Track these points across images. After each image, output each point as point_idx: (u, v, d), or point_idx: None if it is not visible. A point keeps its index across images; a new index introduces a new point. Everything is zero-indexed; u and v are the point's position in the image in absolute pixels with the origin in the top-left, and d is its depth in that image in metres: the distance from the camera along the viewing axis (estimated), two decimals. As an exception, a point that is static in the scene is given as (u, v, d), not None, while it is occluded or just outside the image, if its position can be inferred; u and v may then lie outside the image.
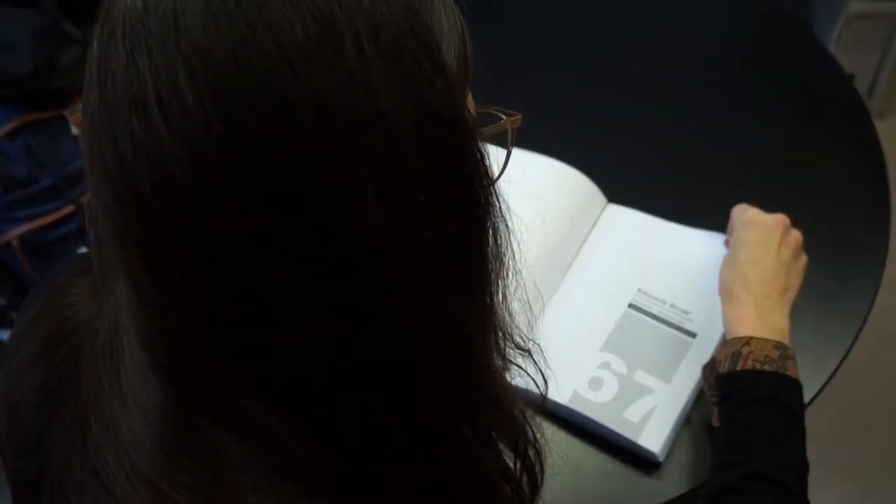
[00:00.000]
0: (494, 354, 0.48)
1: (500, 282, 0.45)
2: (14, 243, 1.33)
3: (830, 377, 0.85)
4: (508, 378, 0.56)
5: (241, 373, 0.39)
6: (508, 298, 0.47)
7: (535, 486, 0.59)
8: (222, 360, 0.39)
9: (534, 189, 0.93)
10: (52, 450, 0.48)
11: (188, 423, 0.42)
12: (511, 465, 0.54)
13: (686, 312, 0.87)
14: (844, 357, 0.86)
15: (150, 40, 0.34)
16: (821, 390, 0.84)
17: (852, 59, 2.12)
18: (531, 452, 0.56)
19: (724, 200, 1.00)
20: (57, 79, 1.32)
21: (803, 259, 0.82)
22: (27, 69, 1.26)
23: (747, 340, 0.73)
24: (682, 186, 1.03)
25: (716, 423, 0.74)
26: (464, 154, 0.38)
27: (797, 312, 0.78)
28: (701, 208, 0.98)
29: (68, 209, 1.34)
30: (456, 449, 0.47)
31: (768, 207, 0.98)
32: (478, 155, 0.39)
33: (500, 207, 0.42)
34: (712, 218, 0.95)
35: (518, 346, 0.57)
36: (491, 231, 0.42)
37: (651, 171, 1.05)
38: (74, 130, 1.34)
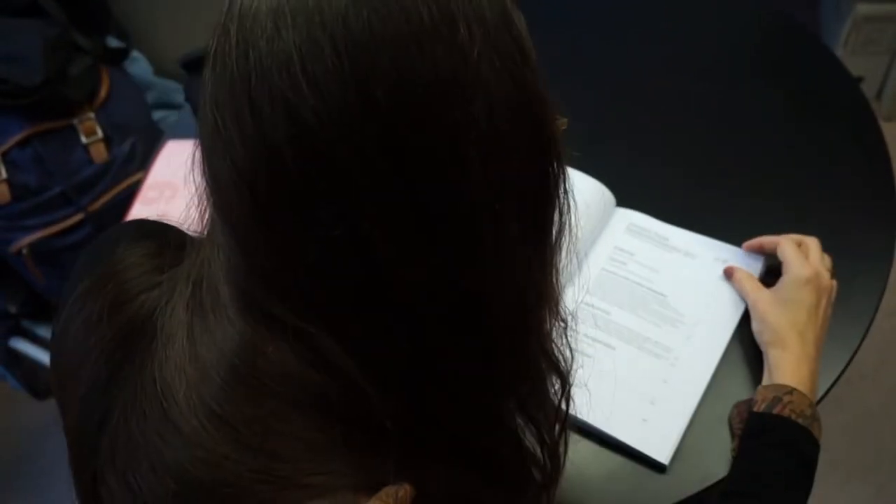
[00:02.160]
0: (547, 325, 0.52)
1: (558, 257, 0.50)
2: (24, 252, 1.34)
3: (837, 378, 0.85)
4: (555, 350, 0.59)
5: (329, 313, 0.43)
6: (560, 275, 0.52)
7: (558, 466, 0.61)
8: (319, 301, 0.43)
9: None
10: (121, 390, 0.49)
11: (264, 361, 0.45)
12: (545, 445, 0.57)
13: (681, 316, 0.88)
14: (851, 358, 0.86)
15: (296, 16, 0.39)
16: (828, 391, 0.84)
17: (860, 62, 2.12)
18: (557, 431, 0.59)
19: (730, 204, 1.01)
20: (67, 88, 1.33)
21: None
22: (38, 79, 1.28)
23: (791, 390, 0.76)
24: (688, 191, 1.03)
25: (734, 454, 0.77)
26: (547, 129, 0.44)
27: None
28: (708, 213, 0.98)
29: (78, 217, 1.35)
30: (498, 419, 0.51)
31: (775, 210, 0.99)
32: (555, 132, 0.45)
33: (566, 189, 0.48)
34: (719, 223, 0.95)
35: (562, 320, 0.60)
36: (559, 207, 0.47)
37: (658, 176, 1.05)
38: (84, 139, 1.35)
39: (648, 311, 0.88)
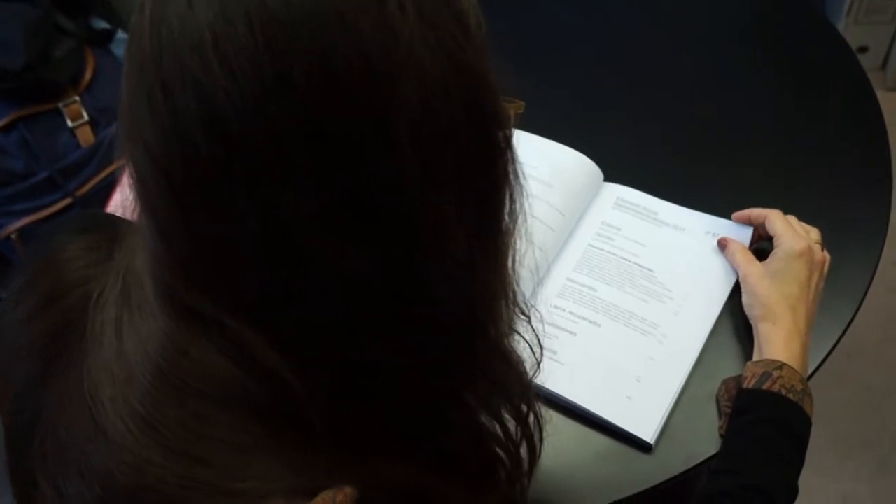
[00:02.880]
0: (502, 315, 0.49)
1: (512, 246, 0.48)
2: (13, 237, 1.33)
3: (829, 353, 0.83)
4: (513, 343, 0.57)
5: (254, 308, 0.41)
6: (517, 263, 0.50)
7: (535, 454, 0.60)
8: (242, 294, 0.41)
9: (536, 165, 0.93)
10: (51, 389, 0.48)
11: (189, 360, 0.43)
12: (513, 434, 0.55)
13: (669, 291, 0.86)
14: (843, 333, 0.84)
15: None
16: (819, 366, 0.82)
17: (865, 32, 2.08)
18: (531, 420, 0.58)
19: (722, 177, 0.99)
20: (51, 72, 1.31)
21: None
22: (21, 63, 1.26)
23: (780, 365, 0.74)
24: (678, 164, 1.01)
25: (723, 433, 0.76)
26: (489, 111, 0.41)
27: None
28: (698, 186, 0.96)
29: (66, 202, 1.34)
30: (456, 411, 0.49)
31: (767, 183, 0.97)
32: (501, 116, 0.42)
33: (517, 174, 0.45)
34: (710, 197, 0.93)
35: (521, 312, 0.59)
36: (508, 194, 0.45)
37: (647, 149, 1.03)
38: (70, 123, 1.34)
39: (635, 287, 0.86)
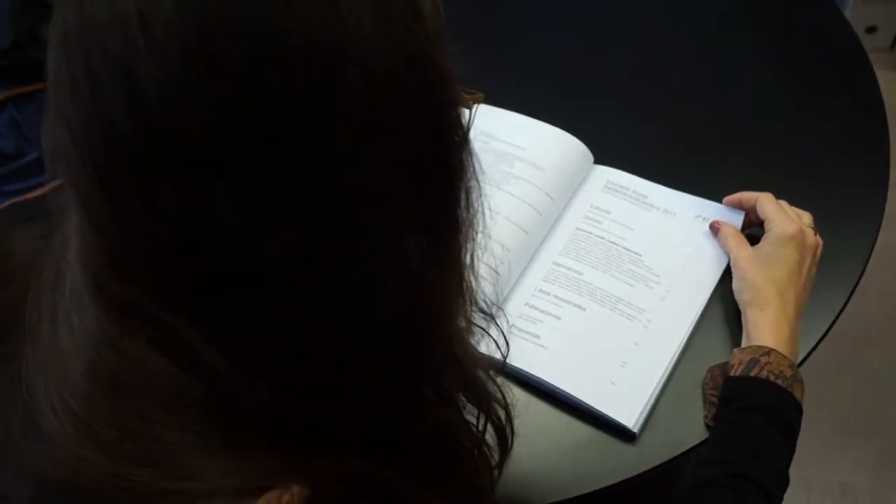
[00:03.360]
0: (458, 313, 0.48)
1: (469, 242, 0.45)
2: (4, 218, 1.32)
3: (821, 339, 0.81)
4: (473, 341, 0.56)
5: (189, 302, 0.38)
6: (476, 261, 0.48)
7: (506, 447, 0.59)
8: (172, 287, 0.38)
9: (524, 146, 0.91)
10: None
11: (122, 355, 0.41)
12: (477, 427, 0.53)
13: (657, 276, 0.84)
14: (834, 320, 0.82)
15: None
16: (811, 352, 0.80)
17: (874, 11, 2.04)
18: (500, 414, 0.56)
19: (715, 160, 0.96)
20: (40, 51, 1.30)
21: None
22: (8, 41, 1.24)
23: (768, 351, 0.72)
24: (671, 146, 0.98)
25: (708, 423, 0.74)
26: (441, 103, 0.39)
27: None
28: (691, 169, 0.94)
29: (56, 182, 1.32)
30: (414, 407, 0.47)
31: (761, 165, 0.94)
32: (454, 108, 0.40)
33: (474, 168, 0.43)
34: (703, 180, 0.91)
35: (482, 311, 0.57)
36: (463, 190, 0.42)
37: (639, 131, 1.00)
38: (60, 103, 1.32)
39: (622, 271, 0.84)
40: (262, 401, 0.40)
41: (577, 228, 0.88)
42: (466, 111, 0.43)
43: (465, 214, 0.43)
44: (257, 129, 0.34)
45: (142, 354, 0.40)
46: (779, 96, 1.03)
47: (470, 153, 0.42)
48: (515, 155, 0.91)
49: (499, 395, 0.58)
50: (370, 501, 0.46)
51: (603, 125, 0.97)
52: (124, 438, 0.40)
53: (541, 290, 0.84)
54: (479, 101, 0.46)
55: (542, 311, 0.82)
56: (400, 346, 0.43)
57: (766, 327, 0.74)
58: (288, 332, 0.39)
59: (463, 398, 0.53)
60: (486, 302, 0.57)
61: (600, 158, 0.94)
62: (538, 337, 0.80)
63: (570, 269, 0.85)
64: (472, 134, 0.43)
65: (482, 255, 0.48)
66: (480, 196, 0.44)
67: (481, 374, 0.55)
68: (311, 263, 0.38)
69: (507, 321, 0.66)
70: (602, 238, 0.87)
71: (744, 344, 0.76)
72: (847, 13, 1.98)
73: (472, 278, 0.47)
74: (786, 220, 0.79)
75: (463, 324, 0.48)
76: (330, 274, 0.38)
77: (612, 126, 0.99)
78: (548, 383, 0.77)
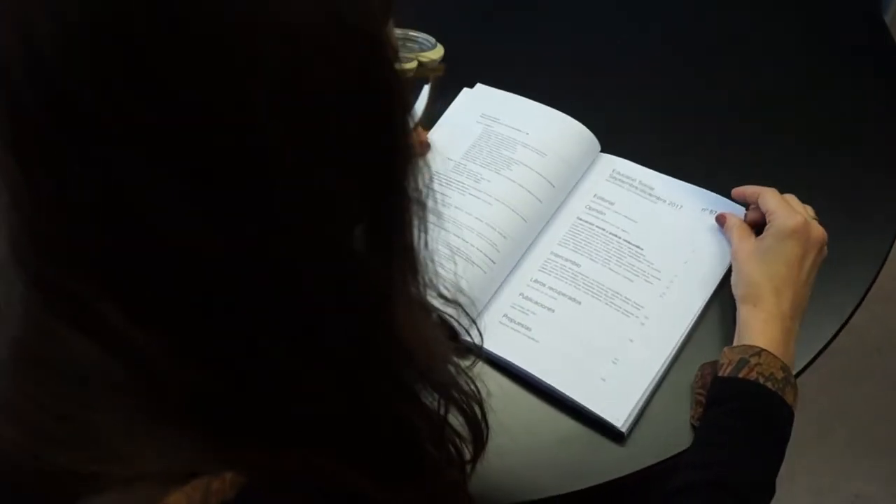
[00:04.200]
0: (409, 298, 0.45)
1: (419, 224, 0.43)
2: None
3: (826, 345, 0.77)
4: (436, 327, 0.54)
5: (105, 277, 0.37)
6: (430, 244, 0.45)
7: (480, 442, 0.56)
8: (87, 261, 0.36)
9: (528, 131, 0.88)
10: None
11: (45, 333, 0.39)
12: (445, 420, 0.51)
13: (658, 271, 0.81)
14: (843, 325, 0.78)
15: None
16: (815, 358, 0.76)
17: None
18: (474, 407, 0.54)
19: (729, 152, 0.92)
20: None
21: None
22: None
23: (759, 352, 0.69)
24: (682, 136, 0.95)
25: (694, 423, 0.71)
26: (376, 78, 0.36)
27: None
28: (703, 161, 0.90)
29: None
30: (360, 396, 0.44)
31: (778, 160, 0.90)
32: (392, 83, 0.37)
33: (412, 147, 0.40)
34: (715, 172, 0.87)
35: (443, 297, 0.55)
36: (408, 168, 0.40)
37: (649, 119, 0.96)
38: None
39: (622, 265, 0.81)
40: (187, 382, 0.38)
41: (578, 218, 0.85)
42: (426, 86, 0.40)
43: (410, 195, 0.41)
44: (163, 96, 0.32)
45: (64, 333, 0.38)
46: (798, 90, 0.98)
47: (407, 131, 0.40)
48: (518, 140, 0.88)
49: (470, 388, 0.55)
50: (320, 496, 0.44)
51: (613, 113, 0.94)
52: (47, 421, 0.38)
53: (536, 281, 0.81)
54: (438, 74, 0.43)
55: (536, 303, 0.79)
56: (337, 328, 0.40)
57: (758, 325, 0.71)
58: (209, 308, 0.37)
59: (429, 391, 0.50)
60: (447, 288, 0.55)
61: (608, 147, 0.91)
62: (530, 329, 0.78)
63: (567, 260, 0.82)
64: (421, 110, 0.41)
65: (439, 238, 0.46)
66: (432, 177, 0.42)
67: (449, 366, 0.53)
68: (231, 236, 0.35)
69: (473, 307, 0.62)
70: (603, 230, 0.84)
71: (735, 342, 0.72)
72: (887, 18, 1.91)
73: (426, 262, 0.44)
74: (788, 212, 0.76)
75: (416, 309, 0.46)
76: (251, 247, 0.36)
77: (623, 114, 0.96)
78: (536, 377, 0.74)
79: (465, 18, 1.10)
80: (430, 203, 0.43)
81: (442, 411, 0.52)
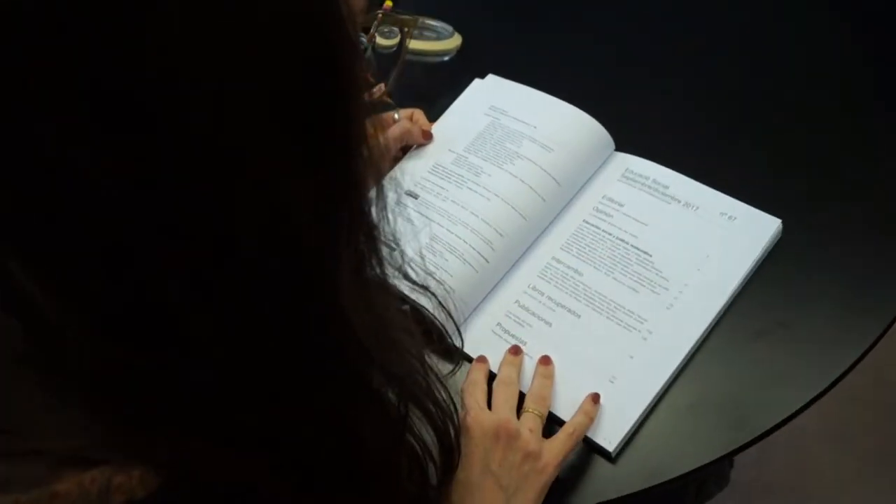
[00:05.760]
0: (361, 278, 0.41)
1: (370, 192, 0.39)
2: None
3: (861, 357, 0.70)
4: (402, 318, 0.50)
5: (13, 241, 0.33)
6: (389, 218, 0.41)
7: (451, 456, 0.52)
8: (5, 224, 0.33)
9: (536, 125, 0.83)
10: None
11: None
12: (403, 424, 0.47)
13: (666, 280, 0.75)
14: (869, 348, 0.71)
15: None
16: (834, 383, 0.70)
17: None
18: (448, 424, 0.50)
19: (755, 156, 0.86)
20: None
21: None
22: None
23: None
24: (704, 137, 0.88)
25: None
26: (316, 48, 0.33)
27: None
28: (726, 165, 0.84)
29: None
30: (288, 386, 0.40)
31: (808, 167, 0.83)
32: (340, 55, 0.33)
33: (366, 130, 0.36)
34: (739, 178, 0.81)
35: (410, 280, 0.50)
36: (354, 132, 0.36)
37: (668, 117, 0.90)
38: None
39: (627, 274, 0.75)
40: (91, 357, 0.34)
41: (583, 221, 0.80)
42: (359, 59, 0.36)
43: (360, 160, 0.36)
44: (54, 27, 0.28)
45: None
46: (824, 91, 0.91)
47: (355, 114, 0.36)
48: (524, 133, 0.83)
49: (444, 399, 0.51)
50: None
51: (631, 109, 0.88)
52: None
53: (534, 289, 0.76)
54: (412, 27, 0.38)
55: (532, 314, 0.74)
56: (266, 298, 0.36)
57: None
58: (118, 274, 0.33)
59: (388, 389, 0.46)
60: (414, 269, 0.50)
61: (623, 145, 0.85)
62: (524, 343, 0.72)
63: (569, 267, 0.77)
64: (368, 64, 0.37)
65: (398, 212, 0.42)
66: (383, 147, 0.38)
67: (414, 361, 0.48)
68: (141, 191, 0.31)
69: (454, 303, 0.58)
70: (610, 234, 0.78)
71: None
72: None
73: (380, 236, 0.40)
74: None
75: (372, 287, 0.41)
76: (161, 206, 0.32)
77: (641, 110, 0.89)
78: (524, 394, 0.70)
79: (485, 8, 1.05)
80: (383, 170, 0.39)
81: (401, 410, 0.47)
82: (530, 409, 0.67)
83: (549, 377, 0.70)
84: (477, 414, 0.65)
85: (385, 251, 0.43)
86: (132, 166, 0.31)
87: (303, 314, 0.38)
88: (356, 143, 0.36)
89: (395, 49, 0.78)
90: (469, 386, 0.68)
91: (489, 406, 0.67)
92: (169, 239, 0.33)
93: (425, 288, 0.52)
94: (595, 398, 0.68)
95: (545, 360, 0.70)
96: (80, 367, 0.35)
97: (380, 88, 0.77)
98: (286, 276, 0.36)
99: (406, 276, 0.50)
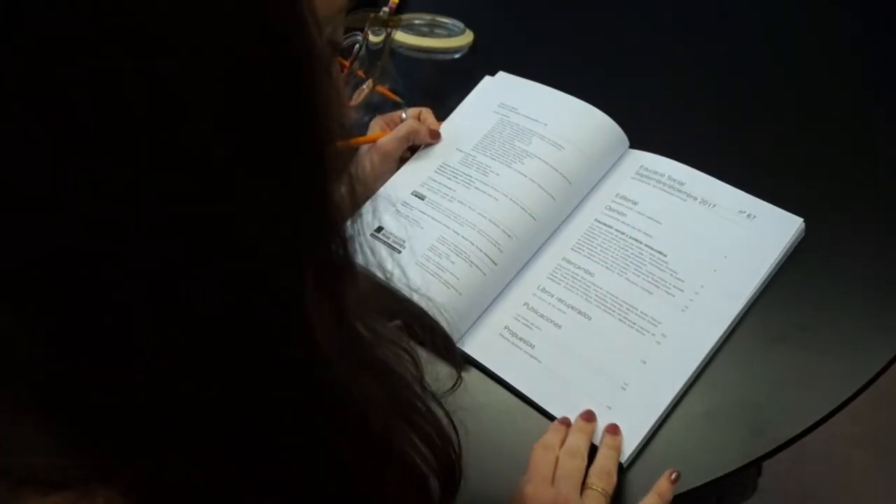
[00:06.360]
0: (326, 271, 0.37)
1: (336, 181, 0.36)
2: None
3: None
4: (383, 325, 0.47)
5: None
6: (362, 227, 0.39)
7: (452, 477, 0.50)
8: None
9: (546, 122, 0.80)
10: None
11: None
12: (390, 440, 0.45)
13: (681, 281, 0.71)
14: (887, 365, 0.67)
15: None
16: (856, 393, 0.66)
17: None
18: (447, 443, 0.48)
19: (774, 153, 0.82)
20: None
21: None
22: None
23: None
24: (721, 134, 0.85)
25: None
26: (279, 34, 0.30)
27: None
28: (744, 163, 0.80)
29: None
30: (257, 389, 0.37)
31: (829, 165, 0.79)
32: (306, 42, 0.31)
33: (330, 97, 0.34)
34: (758, 176, 0.77)
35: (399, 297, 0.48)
36: (315, 117, 0.33)
37: (684, 114, 0.87)
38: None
39: (641, 274, 0.72)
40: (47, 368, 0.33)
41: (595, 221, 0.77)
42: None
43: (325, 147, 0.34)
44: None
45: None
46: (850, 87, 0.87)
47: (323, 101, 0.33)
48: (535, 131, 0.81)
49: (436, 418, 0.49)
50: None
51: (645, 106, 0.85)
52: None
53: (544, 290, 0.73)
54: (395, 24, 0.36)
55: (541, 316, 0.71)
56: (219, 315, 0.33)
57: None
58: (68, 286, 0.31)
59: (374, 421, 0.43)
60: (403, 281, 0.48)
61: (638, 142, 0.82)
62: (532, 346, 0.70)
63: (580, 268, 0.74)
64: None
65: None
66: (351, 132, 0.35)
67: (403, 385, 0.46)
68: (87, 195, 0.29)
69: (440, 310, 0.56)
70: (623, 233, 0.75)
71: None
72: None
73: (349, 227, 0.38)
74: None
75: (341, 304, 0.39)
76: (113, 208, 0.30)
77: (657, 107, 0.86)
78: (532, 401, 0.67)
79: (496, 5, 1.03)
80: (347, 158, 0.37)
81: (385, 432, 0.45)
82: (594, 486, 0.62)
83: (616, 449, 0.64)
84: (536, 488, 0.61)
85: (374, 262, 0.41)
86: (76, 169, 0.29)
87: (263, 330, 0.35)
88: (322, 140, 0.34)
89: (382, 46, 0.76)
90: (539, 448, 0.64)
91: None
92: (119, 245, 0.31)
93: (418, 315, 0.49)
94: (674, 478, 0.62)
95: (613, 430, 0.65)
96: (31, 381, 0.33)
97: (369, 85, 0.74)
98: (244, 288, 0.34)
99: (393, 291, 0.48)
